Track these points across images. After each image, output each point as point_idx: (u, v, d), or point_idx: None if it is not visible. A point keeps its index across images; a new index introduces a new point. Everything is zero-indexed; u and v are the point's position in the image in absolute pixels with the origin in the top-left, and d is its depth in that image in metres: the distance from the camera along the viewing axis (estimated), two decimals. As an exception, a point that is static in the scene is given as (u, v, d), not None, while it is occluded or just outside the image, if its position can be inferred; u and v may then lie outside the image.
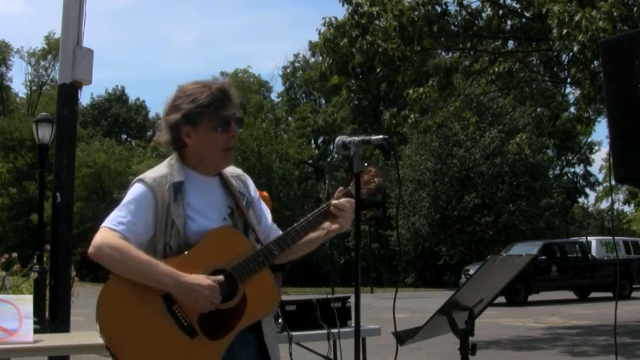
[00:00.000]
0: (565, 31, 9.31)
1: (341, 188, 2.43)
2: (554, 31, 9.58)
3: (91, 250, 2.18)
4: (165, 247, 2.23)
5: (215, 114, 2.28)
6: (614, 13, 9.03)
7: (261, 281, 2.25)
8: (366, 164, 2.43)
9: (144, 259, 2.15)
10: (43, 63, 52.82)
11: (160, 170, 2.33)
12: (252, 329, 2.29)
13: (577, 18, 9.16)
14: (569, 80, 13.60)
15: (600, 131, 49.60)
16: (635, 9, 9.94)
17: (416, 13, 11.17)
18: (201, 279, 2.15)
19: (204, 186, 2.34)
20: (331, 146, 40.64)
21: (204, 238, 2.23)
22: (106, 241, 2.17)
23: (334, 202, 2.38)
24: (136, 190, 2.28)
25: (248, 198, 2.43)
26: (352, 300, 3.92)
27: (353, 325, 2.13)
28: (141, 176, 2.31)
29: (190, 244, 2.23)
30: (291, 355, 3.97)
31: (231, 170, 2.44)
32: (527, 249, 20.18)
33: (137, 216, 2.22)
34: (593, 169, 50.40)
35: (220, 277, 2.18)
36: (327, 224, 2.38)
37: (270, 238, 2.38)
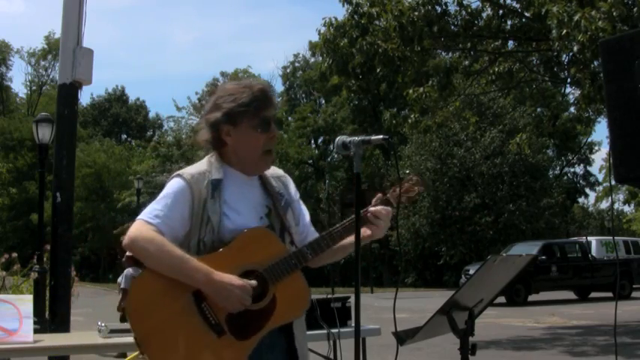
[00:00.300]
0: (564, 31, 9.30)
1: (380, 195, 2.43)
2: (554, 31, 9.58)
3: (126, 241, 2.20)
4: (199, 243, 2.23)
5: (255, 114, 2.29)
6: (614, 13, 9.02)
7: (292, 284, 2.24)
8: (407, 171, 2.43)
9: (177, 254, 2.15)
10: (43, 63, 52.88)
11: (199, 167, 2.34)
12: (281, 331, 2.27)
13: (576, 18, 9.16)
14: (569, 80, 13.60)
15: (600, 131, 49.64)
16: (635, 9, 9.93)
17: (416, 13, 11.17)
18: (233, 279, 2.14)
19: (242, 185, 2.34)
20: (331, 146, 40.58)
21: (239, 237, 2.23)
22: (141, 234, 2.18)
23: (371, 208, 2.37)
24: (173, 184, 2.29)
25: (287, 199, 2.42)
26: (352, 300, 3.92)
27: (353, 325, 2.12)
28: (179, 172, 2.33)
29: (224, 242, 2.23)
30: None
31: (272, 171, 2.45)
32: (527, 249, 20.18)
33: (173, 210, 2.23)
34: (593, 169, 50.41)
35: (254, 282, 2.17)
36: (362, 230, 2.35)
37: (306, 240, 2.37)
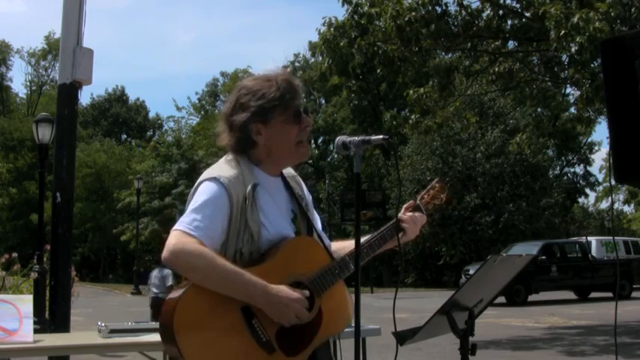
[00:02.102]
0: (562, 32, 9.31)
1: (412, 202, 2.46)
2: (552, 32, 9.58)
3: (166, 254, 2.00)
4: (236, 254, 2.10)
5: (286, 107, 2.18)
6: (612, 14, 9.02)
7: (335, 295, 2.17)
8: (434, 179, 2.49)
9: (230, 268, 2.00)
10: (43, 63, 52.86)
11: (228, 170, 2.15)
12: None
13: (573, 20, 9.16)
14: (569, 80, 13.59)
15: (600, 131, 49.74)
16: (633, 10, 9.93)
17: (413, 14, 11.14)
18: (290, 292, 2.03)
19: (272, 189, 2.23)
20: (331, 146, 40.56)
21: (284, 248, 2.12)
22: (185, 247, 1.99)
23: (405, 215, 2.40)
24: (210, 190, 2.10)
25: (306, 201, 2.34)
26: (352, 300, 3.91)
27: (353, 325, 2.11)
28: (214, 174, 2.13)
29: (262, 252, 2.12)
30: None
31: (287, 171, 2.34)
32: (527, 249, 20.18)
33: (214, 220, 2.06)
34: (593, 169, 50.42)
35: (307, 292, 2.08)
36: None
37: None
